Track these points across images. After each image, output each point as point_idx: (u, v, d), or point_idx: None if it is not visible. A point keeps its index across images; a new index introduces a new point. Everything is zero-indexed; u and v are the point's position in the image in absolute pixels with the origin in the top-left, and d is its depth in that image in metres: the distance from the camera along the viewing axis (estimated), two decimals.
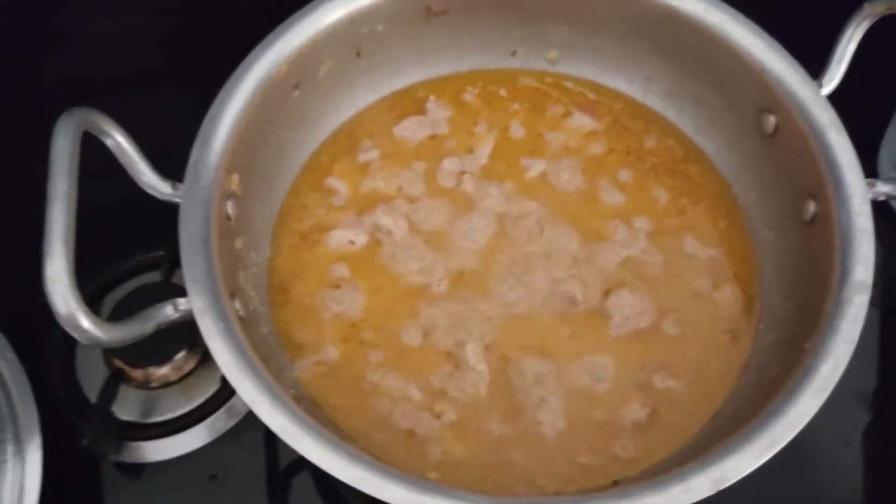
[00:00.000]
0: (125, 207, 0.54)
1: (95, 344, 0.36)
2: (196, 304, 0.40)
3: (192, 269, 0.41)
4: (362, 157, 0.54)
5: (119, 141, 0.43)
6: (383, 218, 0.51)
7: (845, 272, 0.41)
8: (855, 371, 0.56)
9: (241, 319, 0.42)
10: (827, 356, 0.39)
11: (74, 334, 0.36)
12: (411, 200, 0.52)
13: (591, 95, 0.57)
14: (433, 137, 0.56)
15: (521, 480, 0.43)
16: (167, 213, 0.46)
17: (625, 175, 0.54)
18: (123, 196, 0.49)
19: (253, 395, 0.38)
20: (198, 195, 0.43)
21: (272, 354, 0.45)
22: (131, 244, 0.59)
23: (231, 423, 0.54)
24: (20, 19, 0.56)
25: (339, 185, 0.53)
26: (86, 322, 0.36)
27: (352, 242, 0.51)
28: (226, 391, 0.54)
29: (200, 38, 0.57)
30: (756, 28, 0.50)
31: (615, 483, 0.41)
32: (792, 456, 0.52)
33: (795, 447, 0.52)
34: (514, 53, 0.58)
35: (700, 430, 0.44)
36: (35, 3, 0.55)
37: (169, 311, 0.40)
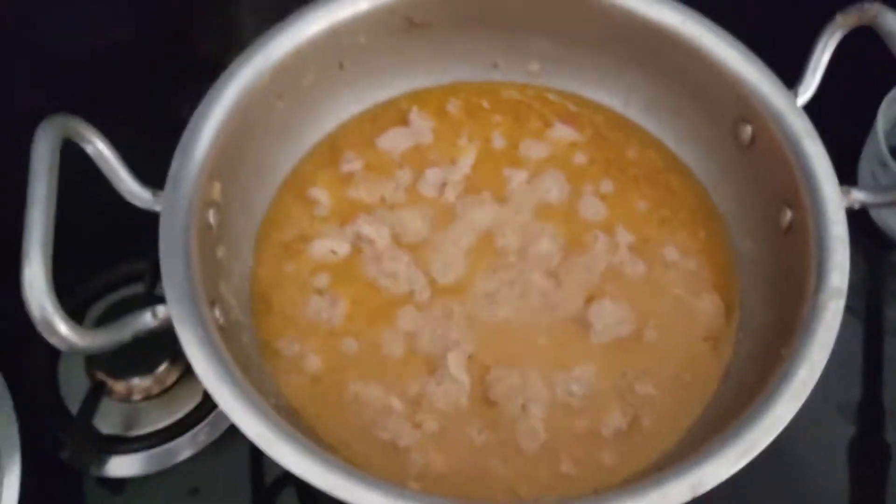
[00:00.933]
0: (109, 219, 0.54)
1: (71, 350, 0.36)
2: (174, 311, 0.40)
3: (171, 277, 0.41)
4: (345, 168, 0.54)
5: (100, 149, 0.43)
6: (365, 227, 0.51)
7: (821, 279, 0.42)
8: (838, 383, 0.57)
9: (221, 328, 0.42)
10: (803, 361, 0.39)
11: (50, 339, 0.36)
12: (394, 210, 0.53)
13: (573, 107, 0.58)
14: (416, 148, 0.56)
15: (502, 490, 0.43)
16: (151, 224, 0.46)
17: (606, 186, 0.54)
18: (107, 207, 0.49)
19: (230, 403, 0.37)
20: (178, 203, 0.43)
21: (252, 364, 0.45)
22: (115, 256, 0.60)
23: (214, 437, 0.53)
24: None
25: (321, 195, 0.53)
26: (62, 327, 0.36)
27: (334, 252, 0.51)
28: (208, 404, 0.54)
29: (183, 49, 0.57)
30: (732, 39, 0.51)
31: (595, 492, 0.41)
32: (775, 466, 0.52)
33: (779, 457, 0.53)
34: (496, 66, 0.59)
35: (681, 438, 0.44)
36: (14, 16, 0.55)
37: (147, 319, 0.40)
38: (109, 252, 0.60)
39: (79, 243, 0.46)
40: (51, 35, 0.57)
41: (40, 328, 0.35)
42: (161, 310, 0.40)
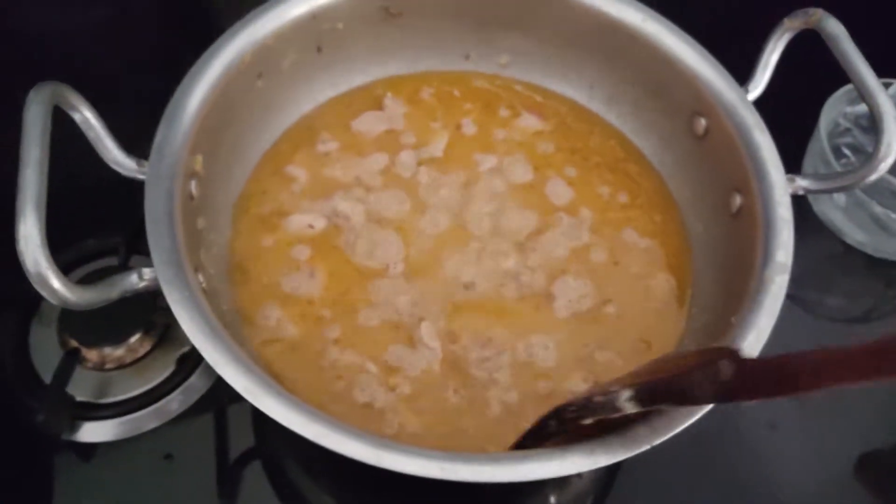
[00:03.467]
0: (77, 195, 0.55)
1: (63, 304, 0.37)
2: (161, 273, 0.41)
3: (156, 241, 0.42)
4: (321, 148, 0.56)
5: (87, 116, 0.44)
6: (341, 203, 0.53)
7: (768, 255, 0.45)
8: None
9: (204, 292, 0.43)
10: (751, 328, 0.43)
11: (44, 293, 0.37)
12: (368, 189, 0.55)
13: (539, 98, 0.61)
14: (390, 132, 0.58)
15: (471, 448, 0.45)
16: (122, 200, 0.47)
17: (570, 172, 0.57)
18: (77, 183, 0.50)
19: (217, 358, 0.39)
20: (163, 172, 0.45)
21: (232, 331, 0.46)
22: (84, 231, 0.60)
23: (185, 406, 0.54)
24: None
25: (298, 172, 0.55)
26: (55, 282, 0.37)
27: (311, 226, 0.53)
28: (180, 374, 0.55)
29: (166, 26, 0.58)
30: (689, 39, 0.55)
31: None
32: (723, 437, 0.56)
33: (727, 429, 0.57)
34: (467, 57, 0.61)
35: None
36: None
37: (134, 280, 0.41)
38: (77, 227, 0.60)
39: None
40: (39, 6, 0.57)
41: (34, 282, 0.36)
42: (147, 272, 0.41)
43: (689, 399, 0.36)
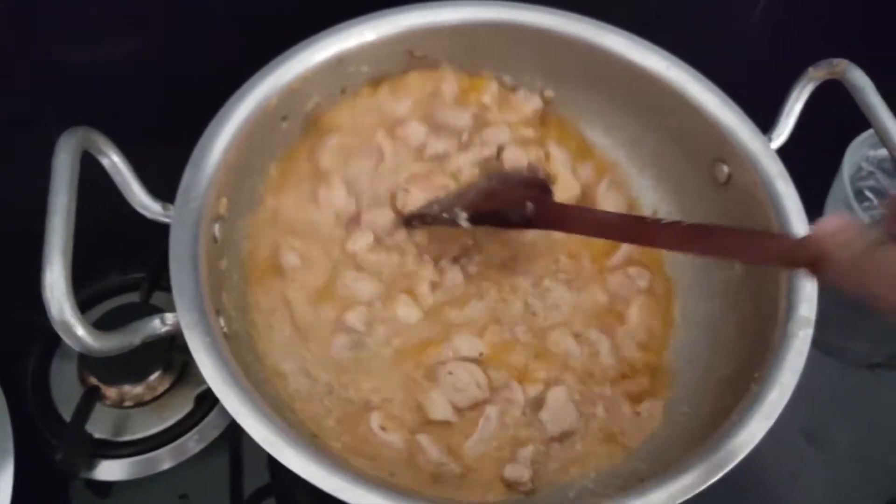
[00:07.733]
0: (100, 230, 0.56)
1: (87, 351, 0.38)
2: (184, 318, 0.41)
3: (180, 286, 0.42)
4: None
5: (115, 161, 0.45)
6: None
7: (791, 309, 0.45)
8: (801, 409, 0.60)
9: (226, 336, 0.44)
10: (774, 384, 0.42)
11: (68, 340, 0.37)
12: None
13: None
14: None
15: None
16: (144, 238, 0.48)
17: None
18: (100, 220, 0.51)
19: (237, 408, 0.39)
20: (188, 216, 0.45)
21: (252, 375, 0.46)
22: (104, 267, 0.61)
23: (202, 445, 0.54)
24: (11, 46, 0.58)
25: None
26: (80, 329, 0.37)
27: None
28: (198, 413, 0.55)
29: (192, 68, 0.59)
30: (713, 86, 0.54)
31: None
32: (745, 485, 0.55)
33: (748, 477, 0.56)
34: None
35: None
36: (26, 31, 0.56)
37: (156, 325, 0.41)
38: (99, 263, 0.61)
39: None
40: (63, 53, 0.58)
41: (59, 329, 0.37)
42: (170, 317, 0.42)
43: (506, 223, 0.51)
